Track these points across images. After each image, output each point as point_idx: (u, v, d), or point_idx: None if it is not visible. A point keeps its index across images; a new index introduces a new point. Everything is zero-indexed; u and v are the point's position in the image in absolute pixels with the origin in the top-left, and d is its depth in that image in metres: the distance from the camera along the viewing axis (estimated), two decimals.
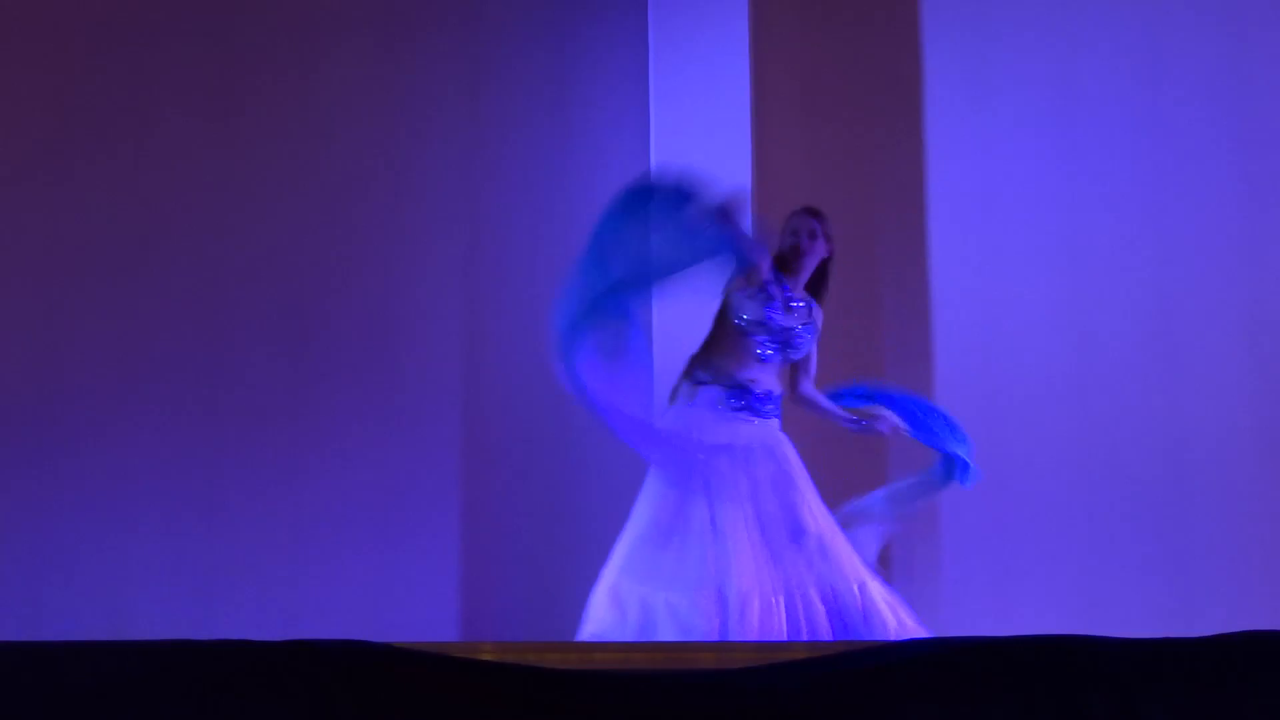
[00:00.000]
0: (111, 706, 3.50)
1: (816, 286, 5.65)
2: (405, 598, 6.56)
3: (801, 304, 5.57)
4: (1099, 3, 6.83)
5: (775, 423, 5.54)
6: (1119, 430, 6.62)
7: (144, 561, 6.51)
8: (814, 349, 5.66)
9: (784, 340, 5.51)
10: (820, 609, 5.28)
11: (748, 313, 5.49)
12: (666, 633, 5.21)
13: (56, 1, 6.81)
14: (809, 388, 5.69)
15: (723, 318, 5.54)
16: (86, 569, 6.48)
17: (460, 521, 6.66)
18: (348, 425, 6.65)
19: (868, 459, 6.62)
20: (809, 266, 5.59)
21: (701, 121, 6.48)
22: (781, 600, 5.27)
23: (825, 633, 5.26)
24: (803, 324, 5.54)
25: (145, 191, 6.72)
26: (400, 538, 6.61)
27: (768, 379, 5.52)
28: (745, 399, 5.49)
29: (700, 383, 5.50)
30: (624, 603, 5.30)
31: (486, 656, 4.14)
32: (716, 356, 5.53)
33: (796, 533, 5.36)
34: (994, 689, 3.58)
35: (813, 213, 5.64)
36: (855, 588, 5.33)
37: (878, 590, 5.38)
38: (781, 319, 5.50)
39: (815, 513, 5.41)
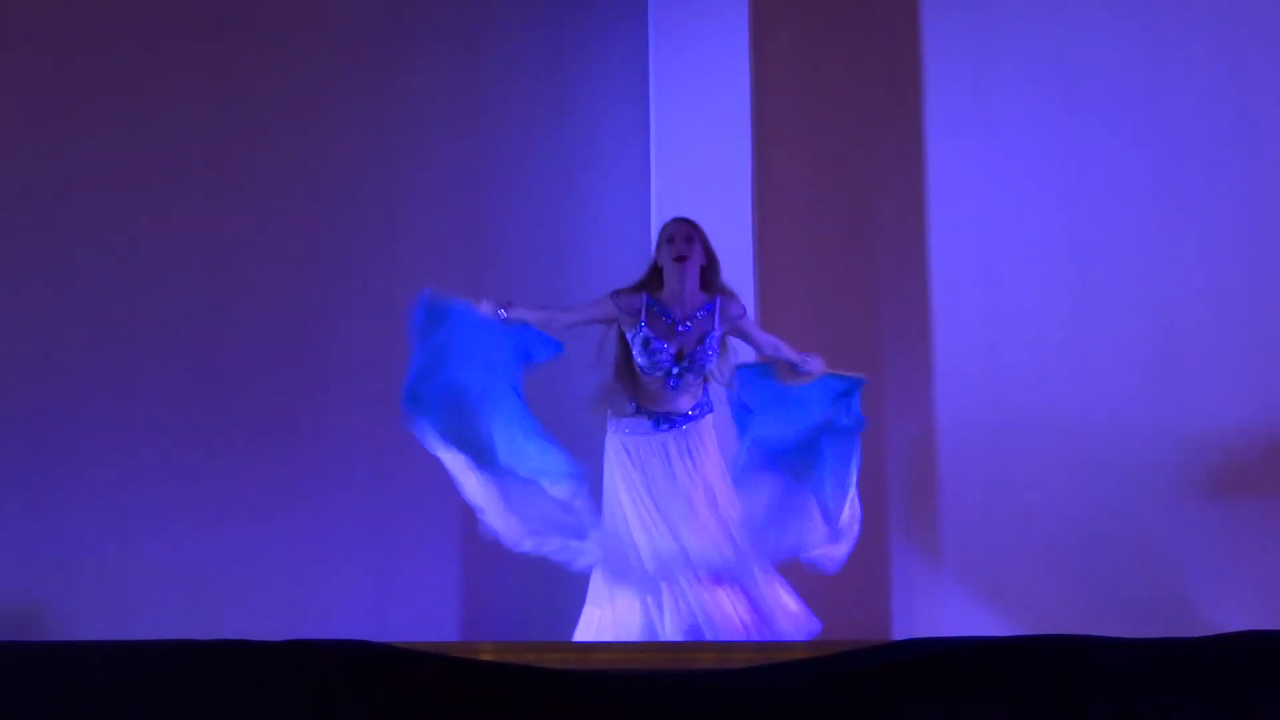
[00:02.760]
0: (111, 706, 3.50)
1: (710, 287, 5.70)
2: (405, 598, 6.56)
3: (688, 325, 5.62)
4: (1100, 2, 6.83)
5: (706, 419, 5.66)
6: (1119, 430, 6.62)
7: (144, 561, 6.51)
8: (750, 330, 5.72)
9: (683, 367, 5.60)
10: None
11: (639, 358, 5.61)
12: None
13: (56, 1, 6.81)
14: (771, 353, 5.74)
15: (626, 355, 5.66)
16: (86, 569, 6.48)
17: (460, 521, 6.65)
18: (348, 425, 6.64)
19: (865, 453, 6.63)
20: (692, 274, 5.64)
21: (701, 121, 6.48)
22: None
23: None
24: (698, 343, 5.60)
25: (145, 194, 6.72)
26: (400, 538, 6.61)
27: (688, 398, 5.63)
28: (672, 420, 5.60)
29: (626, 414, 5.61)
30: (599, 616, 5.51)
31: (486, 656, 4.14)
32: (636, 390, 5.66)
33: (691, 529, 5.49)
34: (994, 689, 3.58)
35: (686, 221, 5.72)
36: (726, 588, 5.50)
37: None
38: (669, 353, 5.58)
39: (710, 506, 5.53)
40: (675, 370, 5.60)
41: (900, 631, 6.48)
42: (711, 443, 5.65)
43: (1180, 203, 6.71)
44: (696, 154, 6.16)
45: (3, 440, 6.56)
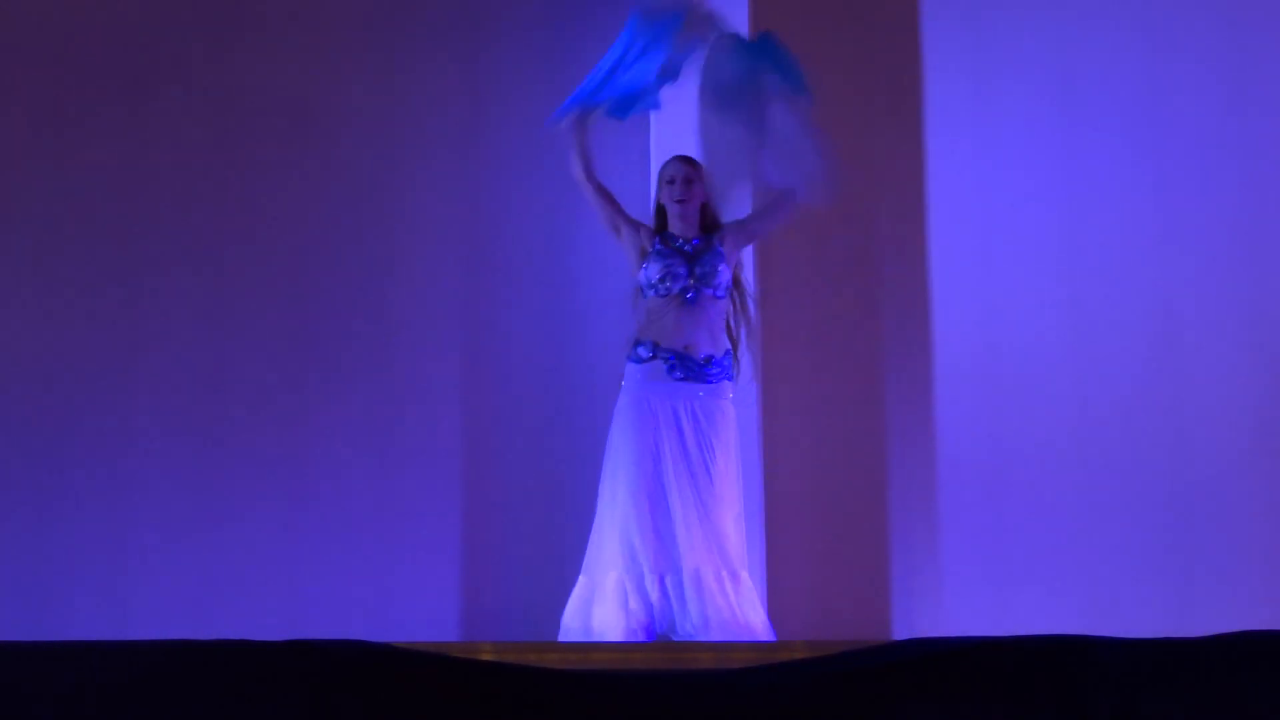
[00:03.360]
0: (111, 706, 3.50)
1: (710, 228, 5.81)
2: (405, 598, 6.56)
3: (696, 241, 5.67)
4: (1100, 3, 6.83)
5: (724, 385, 5.62)
6: (1120, 429, 6.62)
7: (144, 561, 6.50)
8: (745, 219, 5.84)
9: (698, 278, 5.61)
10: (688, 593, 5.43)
11: (654, 275, 5.62)
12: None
13: (55, 1, 6.81)
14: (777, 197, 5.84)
15: (639, 297, 5.74)
16: (86, 569, 6.48)
17: (460, 521, 6.65)
18: (348, 425, 6.64)
19: (865, 454, 6.63)
20: (692, 214, 5.69)
21: None
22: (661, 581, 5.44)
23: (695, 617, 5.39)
24: (708, 252, 5.63)
25: (145, 191, 6.72)
26: (400, 538, 6.61)
27: (705, 338, 5.63)
28: (687, 366, 5.57)
29: (642, 360, 5.59)
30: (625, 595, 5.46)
31: (486, 656, 4.15)
32: (650, 330, 5.65)
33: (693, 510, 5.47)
34: (994, 689, 3.58)
35: (686, 161, 5.76)
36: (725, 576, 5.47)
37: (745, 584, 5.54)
38: (681, 260, 5.62)
39: (714, 491, 5.53)
40: (690, 281, 5.60)
41: (900, 631, 6.48)
42: (728, 425, 5.62)
43: (1180, 202, 6.71)
44: (696, 153, 6.15)
45: (2, 440, 6.56)
